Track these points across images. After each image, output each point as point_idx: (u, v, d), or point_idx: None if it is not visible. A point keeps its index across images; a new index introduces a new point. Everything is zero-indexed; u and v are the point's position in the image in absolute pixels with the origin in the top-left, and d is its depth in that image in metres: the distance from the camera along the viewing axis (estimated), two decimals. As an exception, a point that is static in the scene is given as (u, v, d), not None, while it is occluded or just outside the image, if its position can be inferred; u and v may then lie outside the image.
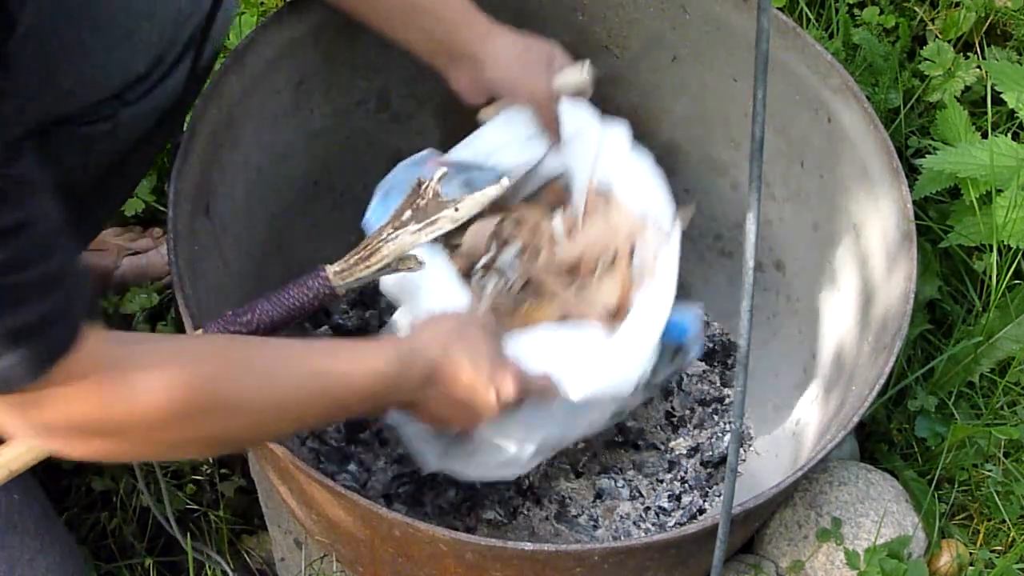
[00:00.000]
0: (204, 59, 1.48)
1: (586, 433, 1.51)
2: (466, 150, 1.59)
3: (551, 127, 1.56)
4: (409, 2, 1.51)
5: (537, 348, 1.42)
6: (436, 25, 1.51)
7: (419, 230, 1.29)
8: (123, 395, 1.03)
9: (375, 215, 1.49)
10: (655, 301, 1.48)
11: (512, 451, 1.44)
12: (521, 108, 1.56)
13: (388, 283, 1.47)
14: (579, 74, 1.54)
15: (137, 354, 1.05)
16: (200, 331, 1.30)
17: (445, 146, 1.82)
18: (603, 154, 1.58)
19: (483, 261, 1.59)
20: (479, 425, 1.34)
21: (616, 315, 1.54)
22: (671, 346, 1.53)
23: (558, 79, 1.54)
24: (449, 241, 1.62)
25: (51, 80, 1.37)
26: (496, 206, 1.58)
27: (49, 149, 1.46)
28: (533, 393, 1.34)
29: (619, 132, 1.59)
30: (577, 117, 1.58)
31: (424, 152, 1.58)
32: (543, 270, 1.57)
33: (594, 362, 1.43)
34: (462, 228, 1.54)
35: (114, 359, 1.03)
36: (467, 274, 1.59)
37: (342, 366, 1.20)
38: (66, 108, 1.41)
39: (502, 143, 1.60)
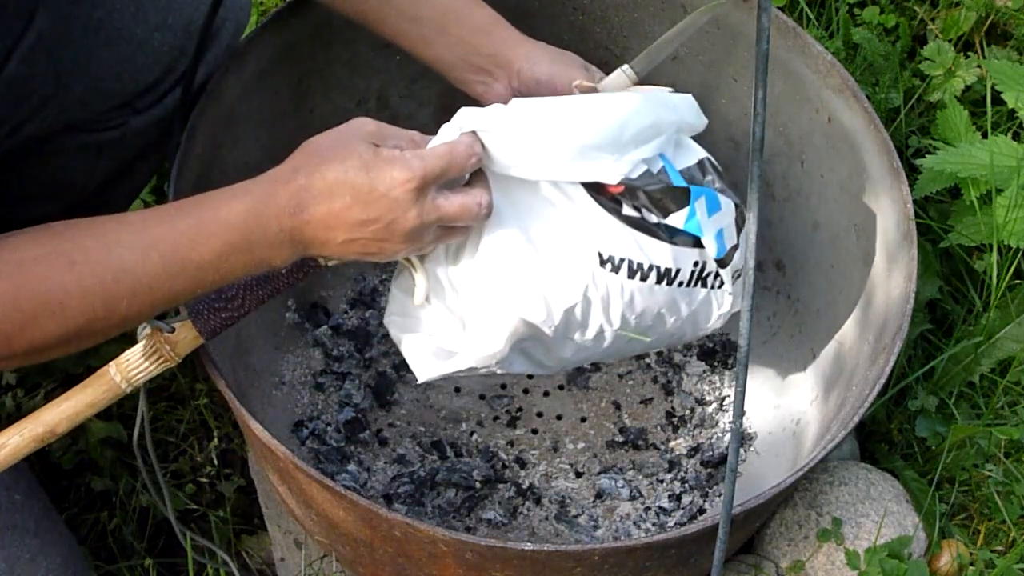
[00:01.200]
0: (204, 70, 1.48)
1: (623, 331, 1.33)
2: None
3: None
4: (439, 15, 1.42)
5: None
6: (468, 35, 1.43)
7: None
8: None
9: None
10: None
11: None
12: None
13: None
14: (623, 79, 1.42)
15: None
16: (188, 319, 1.28)
17: (445, 146, 1.83)
18: None
19: None
20: (401, 239, 1.16)
21: None
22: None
23: (602, 85, 1.43)
24: None
25: (63, 88, 1.37)
26: None
27: (57, 155, 1.47)
28: (440, 172, 1.17)
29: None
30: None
31: None
32: None
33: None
34: None
35: None
36: None
37: (188, 220, 1.11)
38: (77, 115, 1.42)
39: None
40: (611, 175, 1.26)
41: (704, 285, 1.34)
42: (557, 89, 1.40)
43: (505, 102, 1.30)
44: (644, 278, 1.29)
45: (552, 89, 1.41)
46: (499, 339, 1.27)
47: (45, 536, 1.37)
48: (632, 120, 1.28)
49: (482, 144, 1.24)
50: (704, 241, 1.30)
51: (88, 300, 1.10)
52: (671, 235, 1.29)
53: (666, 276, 1.30)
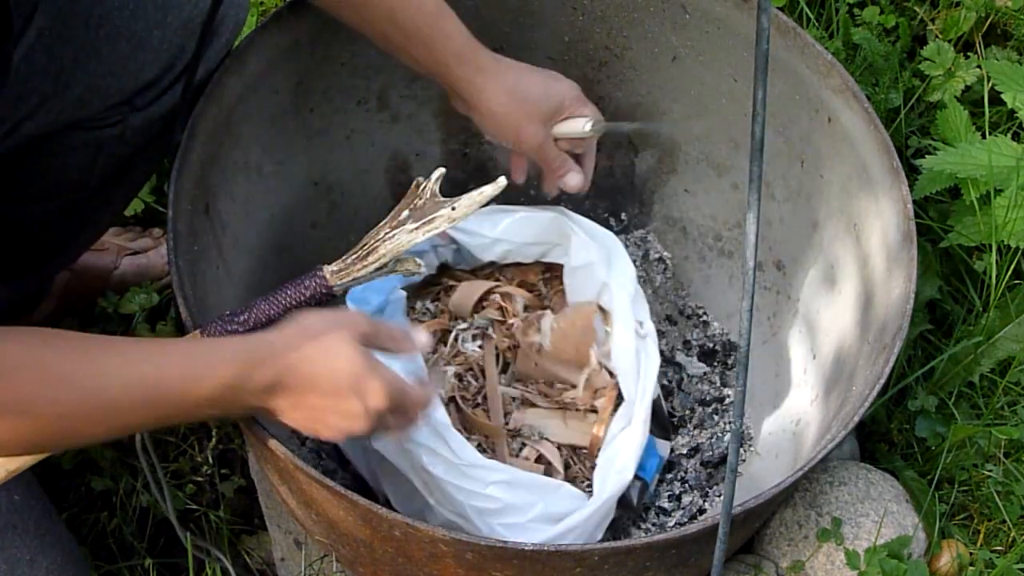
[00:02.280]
0: (204, 67, 1.48)
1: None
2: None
3: (549, 171, 1.55)
4: (408, 28, 1.45)
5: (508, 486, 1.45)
6: (430, 57, 1.46)
7: (416, 228, 1.30)
8: None
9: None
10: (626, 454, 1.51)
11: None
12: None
13: None
14: (580, 128, 1.52)
15: None
16: (197, 332, 1.30)
17: (445, 145, 1.83)
18: (609, 294, 1.61)
19: (463, 325, 1.63)
20: (351, 435, 1.24)
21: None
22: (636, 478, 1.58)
23: (558, 128, 1.52)
24: (439, 295, 1.69)
25: (62, 86, 1.37)
26: (489, 272, 1.65)
27: (57, 153, 1.47)
28: (408, 404, 1.26)
29: (625, 277, 1.61)
30: (588, 251, 1.61)
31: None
32: (524, 362, 1.64)
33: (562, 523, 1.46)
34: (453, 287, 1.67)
35: None
36: (446, 331, 1.63)
37: (173, 370, 1.14)
38: (76, 113, 1.42)
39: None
40: None
41: None
42: (506, 142, 1.52)
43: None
44: None
45: (503, 140, 1.53)
46: None
47: (45, 537, 1.37)
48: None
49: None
50: None
51: (62, 420, 1.10)
52: None
53: None
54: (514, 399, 1.63)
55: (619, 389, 1.59)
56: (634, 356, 1.57)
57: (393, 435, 1.36)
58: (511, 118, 1.49)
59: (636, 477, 1.57)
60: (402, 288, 1.63)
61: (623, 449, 1.51)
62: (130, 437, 1.46)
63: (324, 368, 1.18)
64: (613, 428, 1.55)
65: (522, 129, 1.50)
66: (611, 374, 1.62)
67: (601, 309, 1.63)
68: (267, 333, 1.22)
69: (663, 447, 1.67)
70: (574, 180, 1.56)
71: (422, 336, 1.31)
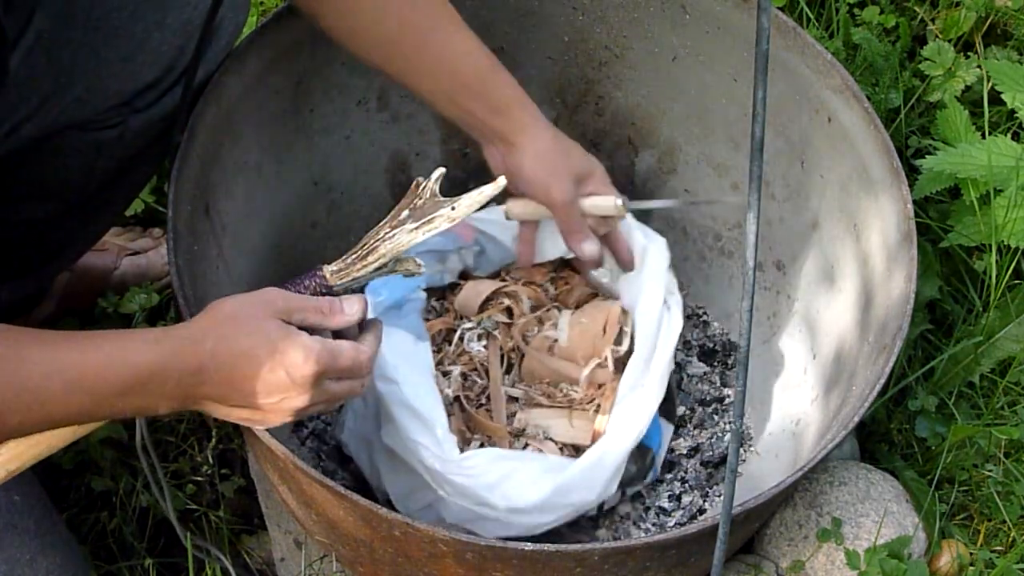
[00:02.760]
0: (204, 69, 1.48)
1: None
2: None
3: (570, 232, 1.55)
4: (459, 80, 1.48)
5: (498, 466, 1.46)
6: (481, 107, 1.49)
7: (416, 228, 1.29)
8: None
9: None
10: (632, 421, 1.53)
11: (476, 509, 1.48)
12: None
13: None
14: (612, 207, 1.54)
15: None
16: None
17: (445, 145, 1.83)
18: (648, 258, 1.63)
19: (469, 324, 1.64)
20: (287, 413, 1.21)
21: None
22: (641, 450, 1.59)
23: (588, 203, 1.53)
24: (445, 294, 1.71)
25: (62, 88, 1.37)
26: (496, 274, 1.66)
27: (57, 154, 1.47)
28: (345, 366, 1.22)
29: (661, 244, 1.63)
30: (627, 221, 1.62)
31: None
32: (534, 360, 1.65)
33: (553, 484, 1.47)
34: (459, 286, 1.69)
35: None
36: (451, 330, 1.63)
37: (94, 356, 1.13)
38: (76, 115, 1.42)
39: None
40: None
41: None
42: (535, 197, 1.53)
43: (499, 171, 1.50)
44: None
45: (532, 194, 1.53)
46: None
47: (45, 537, 1.37)
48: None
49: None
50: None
51: None
52: None
53: None
54: (518, 399, 1.63)
55: (618, 383, 1.60)
56: (657, 317, 1.58)
57: (344, 399, 1.29)
58: (548, 169, 1.50)
59: (642, 445, 1.57)
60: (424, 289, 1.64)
61: (636, 402, 1.53)
62: (130, 437, 1.46)
63: (241, 346, 1.17)
64: (623, 386, 1.56)
65: (554, 184, 1.51)
66: (615, 367, 1.62)
67: (624, 312, 1.64)
68: (186, 322, 1.21)
69: (667, 428, 1.67)
70: (591, 248, 1.55)
71: (352, 304, 1.26)
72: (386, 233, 1.30)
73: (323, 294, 1.30)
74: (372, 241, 1.30)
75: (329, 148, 1.73)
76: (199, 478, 1.74)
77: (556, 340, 1.64)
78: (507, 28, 1.73)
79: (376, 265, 1.30)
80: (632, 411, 1.53)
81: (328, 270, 1.30)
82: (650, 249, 1.62)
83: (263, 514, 1.69)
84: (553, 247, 1.66)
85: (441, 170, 1.32)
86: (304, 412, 1.21)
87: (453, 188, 1.37)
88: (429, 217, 1.30)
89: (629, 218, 1.62)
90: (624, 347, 1.62)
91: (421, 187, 1.31)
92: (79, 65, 1.37)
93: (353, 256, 1.31)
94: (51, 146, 1.45)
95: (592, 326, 1.63)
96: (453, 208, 1.30)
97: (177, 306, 1.37)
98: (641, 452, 1.59)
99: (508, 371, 1.66)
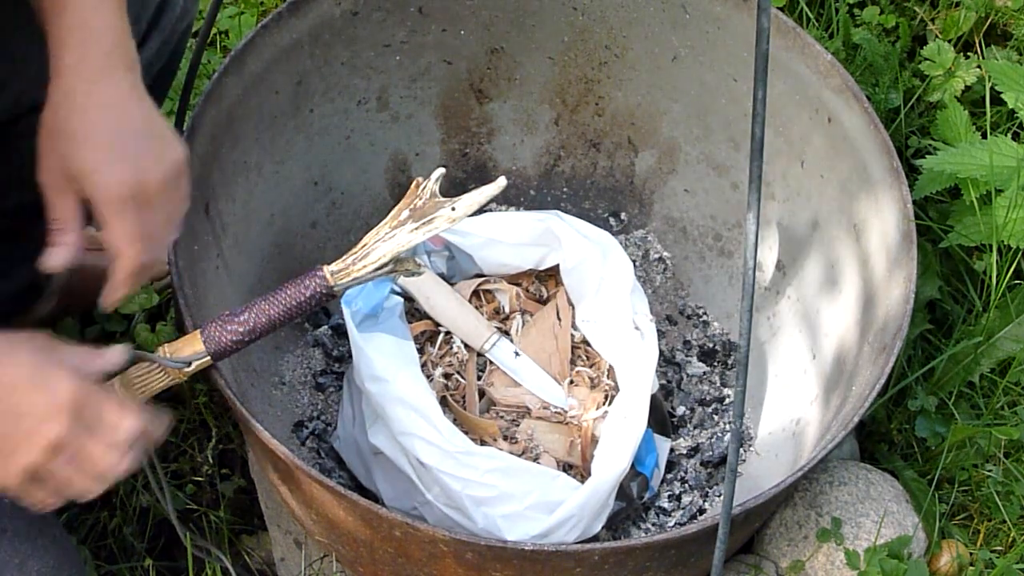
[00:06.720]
0: (172, 20, 1.44)
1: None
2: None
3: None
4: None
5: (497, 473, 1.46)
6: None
7: (416, 228, 1.30)
8: None
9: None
10: (621, 447, 1.52)
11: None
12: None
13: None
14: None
15: None
16: (198, 331, 1.30)
17: (445, 145, 1.83)
18: (604, 292, 1.63)
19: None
20: (53, 445, 1.14)
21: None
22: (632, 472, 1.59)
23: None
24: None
25: (18, 68, 1.34)
26: (478, 275, 1.70)
27: (26, 138, 1.42)
28: (102, 414, 1.15)
29: (621, 271, 1.62)
30: (583, 249, 1.62)
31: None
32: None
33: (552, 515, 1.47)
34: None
35: None
36: (434, 333, 1.68)
37: None
38: (38, 95, 1.35)
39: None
40: None
41: None
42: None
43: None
44: None
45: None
46: None
47: (37, 539, 1.35)
48: None
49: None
50: None
51: None
52: None
53: None
54: (516, 407, 1.64)
55: (609, 393, 1.60)
56: (630, 349, 1.57)
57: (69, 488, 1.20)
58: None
59: (634, 470, 1.58)
60: (394, 292, 1.63)
61: (619, 437, 1.52)
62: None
63: (4, 369, 1.11)
64: (610, 420, 1.56)
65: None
66: (602, 377, 1.63)
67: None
68: None
69: (662, 444, 1.67)
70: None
71: (113, 355, 1.21)
72: (386, 233, 1.30)
73: (323, 294, 1.30)
74: (372, 241, 1.30)
75: (329, 148, 1.73)
76: (199, 478, 1.74)
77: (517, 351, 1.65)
78: (507, 28, 1.73)
79: (376, 265, 1.30)
80: (613, 451, 1.52)
81: (328, 270, 1.31)
82: (607, 279, 1.62)
83: (263, 514, 1.69)
84: (522, 258, 1.68)
85: (441, 170, 1.32)
86: (58, 445, 1.13)
87: (453, 188, 1.37)
88: (429, 217, 1.30)
89: (581, 234, 1.63)
90: (595, 372, 1.64)
91: (421, 187, 1.31)
92: (32, 42, 1.29)
93: (353, 256, 1.31)
94: (19, 131, 1.41)
95: (542, 341, 1.65)
96: (453, 208, 1.31)
97: (177, 306, 1.37)
98: (633, 476, 1.59)
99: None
